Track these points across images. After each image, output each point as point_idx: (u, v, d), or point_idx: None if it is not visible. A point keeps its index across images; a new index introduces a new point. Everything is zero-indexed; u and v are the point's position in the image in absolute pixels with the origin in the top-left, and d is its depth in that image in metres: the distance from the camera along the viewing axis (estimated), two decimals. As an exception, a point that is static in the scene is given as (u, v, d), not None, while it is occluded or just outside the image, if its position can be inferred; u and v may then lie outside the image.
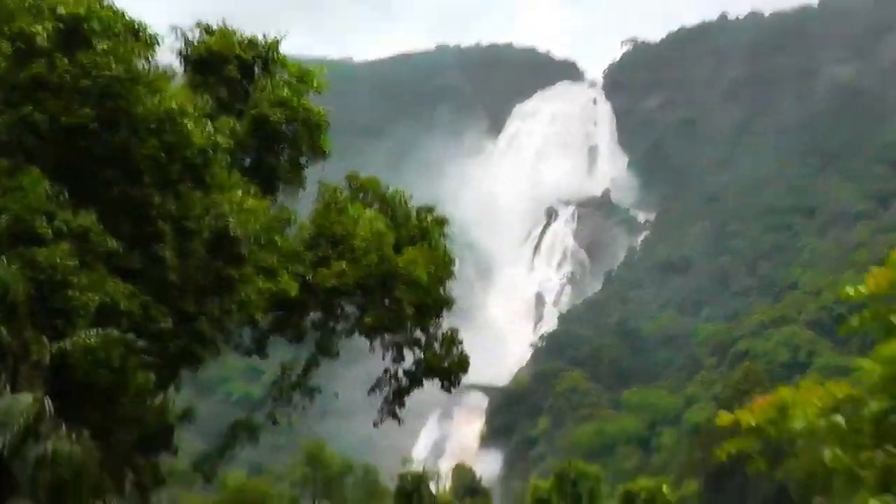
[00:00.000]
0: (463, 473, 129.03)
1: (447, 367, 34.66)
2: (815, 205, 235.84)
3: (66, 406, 22.16)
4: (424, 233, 34.12)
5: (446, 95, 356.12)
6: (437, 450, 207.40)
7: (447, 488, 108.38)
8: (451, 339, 34.67)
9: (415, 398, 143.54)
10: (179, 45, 32.05)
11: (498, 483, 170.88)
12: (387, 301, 32.69)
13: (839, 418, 13.82)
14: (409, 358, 36.38)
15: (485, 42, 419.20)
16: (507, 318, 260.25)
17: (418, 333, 34.81)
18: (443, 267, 33.63)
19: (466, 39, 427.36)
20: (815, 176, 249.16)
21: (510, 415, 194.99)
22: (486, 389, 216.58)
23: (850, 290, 14.87)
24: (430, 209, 34.85)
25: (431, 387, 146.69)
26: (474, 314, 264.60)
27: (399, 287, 32.14)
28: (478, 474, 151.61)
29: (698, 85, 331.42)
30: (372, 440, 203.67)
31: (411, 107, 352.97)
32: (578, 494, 70.80)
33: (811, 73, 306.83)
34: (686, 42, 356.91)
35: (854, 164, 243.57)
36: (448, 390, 35.05)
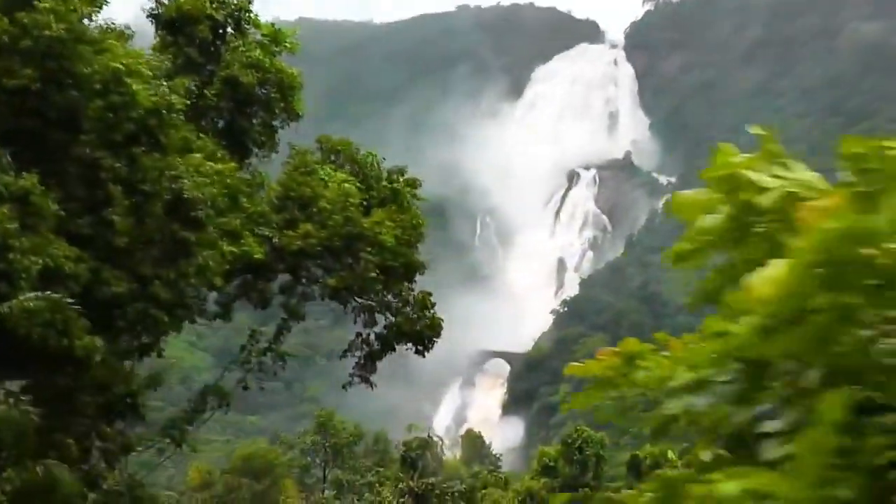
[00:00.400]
0: (474, 441, 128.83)
1: (419, 331, 33.93)
2: (837, 166, 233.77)
3: (9, 369, 21.97)
4: (395, 195, 33.51)
5: (465, 57, 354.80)
6: (459, 418, 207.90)
7: (457, 456, 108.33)
8: (424, 303, 33.96)
9: (438, 366, 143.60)
10: (151, 4, 31.67)
11: (518, 450, 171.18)
12: (352, 263, 32.19)
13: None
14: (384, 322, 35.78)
15: (505, 2, 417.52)
16: (528, 284, 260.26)
17: (390, 297, 34.13)
18: (412, 230, 32.94)
19: (486, 0, 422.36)
20: (838, 136, 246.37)
21: (531, 382, 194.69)
22: (507, 356, 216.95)
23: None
24: (401, 170, 34.15)
25: (454, 355, 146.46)
26: (496, 280, 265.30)
27: (364, 249, 31.63)
28: (499, 441, 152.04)
29: (719, 45, 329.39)
30: (396, 409, 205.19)
31: (430, 69, 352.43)
32: (584, 460, 70.67)
33: (833, 32, 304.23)
34: (707, 2, 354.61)
35: (878, 123, 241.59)
36: (422, 354, 34.40)
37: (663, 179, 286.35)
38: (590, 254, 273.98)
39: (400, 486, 55.33)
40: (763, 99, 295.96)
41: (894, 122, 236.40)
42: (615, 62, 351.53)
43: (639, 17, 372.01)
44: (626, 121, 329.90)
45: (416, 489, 54.71)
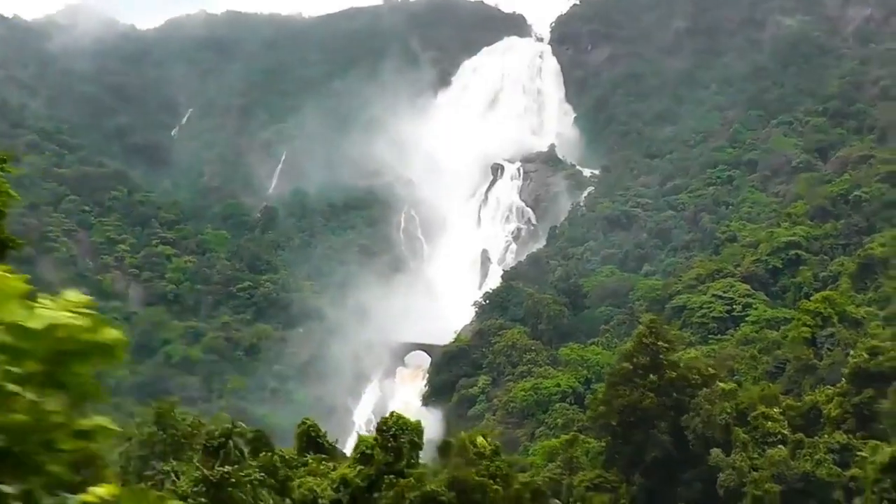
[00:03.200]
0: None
1: None
2: (756, 158, 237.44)
3: None
4: None
5: (393, 51, 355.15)
6: (380, 409, 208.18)
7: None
8: None
9: (361, 359, 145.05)
10: None
11: (437, 440, 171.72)
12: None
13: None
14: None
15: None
16: (452, 276, 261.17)
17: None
18: None
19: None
20: (758, 129, 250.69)
21: (451, 373, 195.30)
22: (428, 348, 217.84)
23: None
24: None
25: (377, 348, 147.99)
26: (420, 273, 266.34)
27: None
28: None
29: (644, 37, 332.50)
30: (321, 401, 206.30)
31: (358, 62, 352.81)
32: (399, 447, 71.02)
33: (756, 24, 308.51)
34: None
35: (796, 116, 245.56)
36: None
37: (587, 172, 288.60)
38: (514, 246, 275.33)
39: (195, 474, 55.37)
40: (687, 90, 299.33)
41: (810, 115, 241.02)
42: (541, 55, 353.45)
43: (564, 11, 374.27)
44: (551, 114, 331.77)
45: (211, 477, 54.75)
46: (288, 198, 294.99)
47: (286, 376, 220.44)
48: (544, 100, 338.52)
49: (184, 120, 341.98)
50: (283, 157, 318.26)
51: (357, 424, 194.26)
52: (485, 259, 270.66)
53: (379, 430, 72.04)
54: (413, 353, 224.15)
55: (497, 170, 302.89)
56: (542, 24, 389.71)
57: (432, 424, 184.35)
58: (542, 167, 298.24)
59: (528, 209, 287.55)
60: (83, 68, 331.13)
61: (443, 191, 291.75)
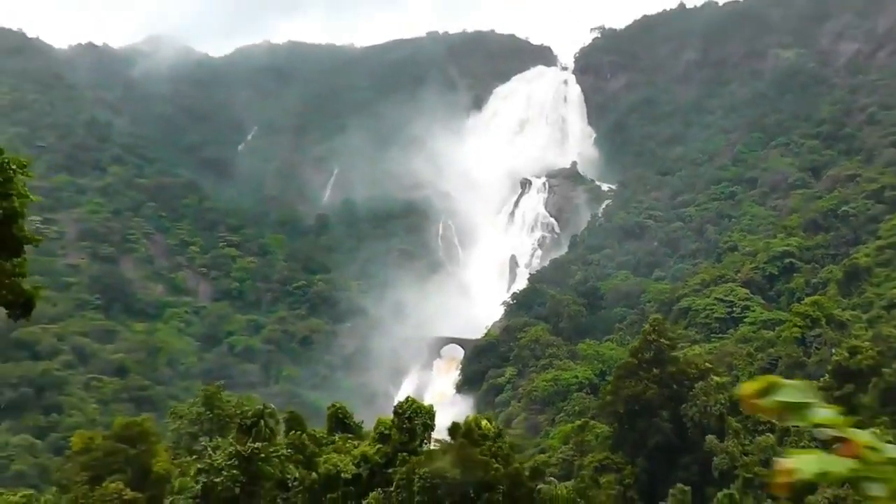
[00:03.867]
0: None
1: (12, 300, 31.60)
2: (756, 176, 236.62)
3: None
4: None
5: (433, 77, 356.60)
6: (418, 396, 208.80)
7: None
8: (14, 273, 31.84)
9: (402, 351, 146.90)
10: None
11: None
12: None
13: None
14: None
15: (470, 29, 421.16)
16: (484, 278, 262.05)
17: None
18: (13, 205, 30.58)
19: (454, 27, 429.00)
20: (758, 150, 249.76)
21: (481, 365, 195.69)
22: (461, 342, 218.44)
23: None
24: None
25: (416, 341, 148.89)
26: (455, 276, 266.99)
27: None
28: (452, 416, 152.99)
29: (658, 67, 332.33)
30: (365, 388, 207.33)
31: (401, 87, 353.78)
32: (413, 428, 71.64)
33: (758, 56, 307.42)
34: (648, 28, 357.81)
35: (792, 138, 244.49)
36: (15, 319, 32.14)
37: (605, 186, 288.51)
38: (539, 252, 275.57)
39: (229, 450, 56.27)
40: (695, 115, 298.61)
41: (805, 138, 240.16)
42: (566, 82, 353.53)
43: (587, 43, 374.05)
44: (573, 134, 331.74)
45: (242, 452, 55.63)
46: (339, 207, 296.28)
47: (335, 366, 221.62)
48: (568, 122, 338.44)
49: (248, 137, 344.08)
50: (336, 171, 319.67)
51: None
52: (513, 264, 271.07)
53: (396, 413, 72.86)
54: (448, 346, 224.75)
55: (525, 184, 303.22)
56: (566, 54, 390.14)
57: (464, 410, 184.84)
58: (564, 182, 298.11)
59: (552, 219, 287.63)
60: (162, 91, 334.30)
61: (476, 202, 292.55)
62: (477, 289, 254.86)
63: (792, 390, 3.97)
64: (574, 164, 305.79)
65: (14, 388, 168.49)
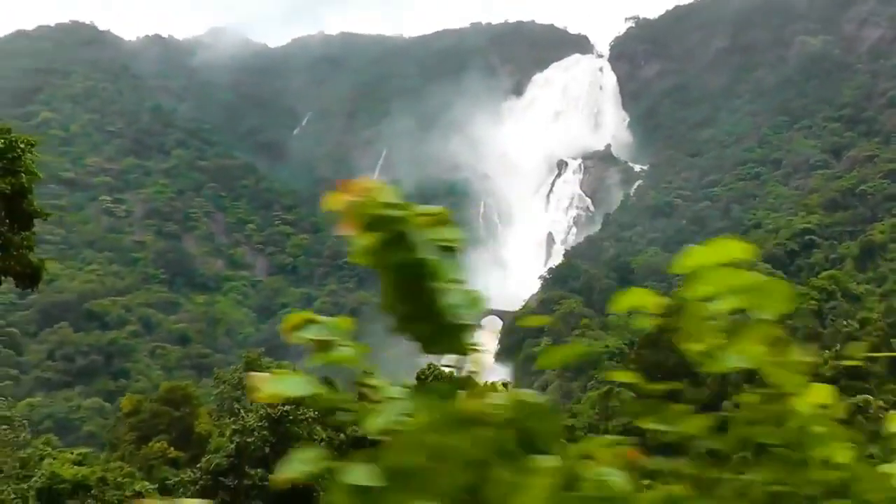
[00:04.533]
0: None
1: (20, 271, 30.12)
2: (780, 157, 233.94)
3: None
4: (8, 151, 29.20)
5: (476, 66, 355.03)
6: (460, 364, 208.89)
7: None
8: (22, 246, 30.05)
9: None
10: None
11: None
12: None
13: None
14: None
15: (512, 19, 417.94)
16: (522, 254, 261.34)
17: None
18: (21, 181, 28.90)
19: (497, 17, 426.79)
20: (783, 132, 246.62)
21: (518, 335, 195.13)
22: (500, 314, 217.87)
23: None
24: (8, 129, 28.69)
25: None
26: (495, 252, 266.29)
27: None
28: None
29: (689, 55, 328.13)
30: (412, 357, 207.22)
31: (446, 74, 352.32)
32: (440, 390, 71.24)
33: (784, 44, 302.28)
34: (680, 18, 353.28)
35: (815, 121, 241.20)
36: (23, 288, 30.60)
37: (637, 168, 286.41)
38: (574, 229, 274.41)
39: (260, 412, 56.29)
40: (724, 100, 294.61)
41: (827, 121, 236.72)
42: (601, 70, 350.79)
43: (622, 32, 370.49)
44: (608, 119, 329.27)
45: (272, 414, 55.59)
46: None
47: (384, 336, 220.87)
48: (602, 107, 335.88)
49: (303, 122, 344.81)
50: (384, 153, 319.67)
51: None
52: (549, 240, 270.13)
53: (417, 377, 72.70)
54: (488, 317, 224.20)
55: (561, 165, 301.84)
56: (602, 43, 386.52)
57: (503, 377, 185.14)
58: (599, 164, 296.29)
59: (587, 199, 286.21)
60: (222, 79, 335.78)
61: (515, 183, 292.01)
62: (515, 264, 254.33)
63: (320, 328, 3.80)
64: (608, 146, 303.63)
65: (85, 355, 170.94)
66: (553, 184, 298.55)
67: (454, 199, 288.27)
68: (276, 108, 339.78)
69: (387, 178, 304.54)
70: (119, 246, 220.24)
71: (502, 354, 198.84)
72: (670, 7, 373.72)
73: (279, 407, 58.37)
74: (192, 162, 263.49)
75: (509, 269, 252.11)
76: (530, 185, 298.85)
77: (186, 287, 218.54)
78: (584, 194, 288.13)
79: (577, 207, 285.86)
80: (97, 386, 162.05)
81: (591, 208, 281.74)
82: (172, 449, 65.32)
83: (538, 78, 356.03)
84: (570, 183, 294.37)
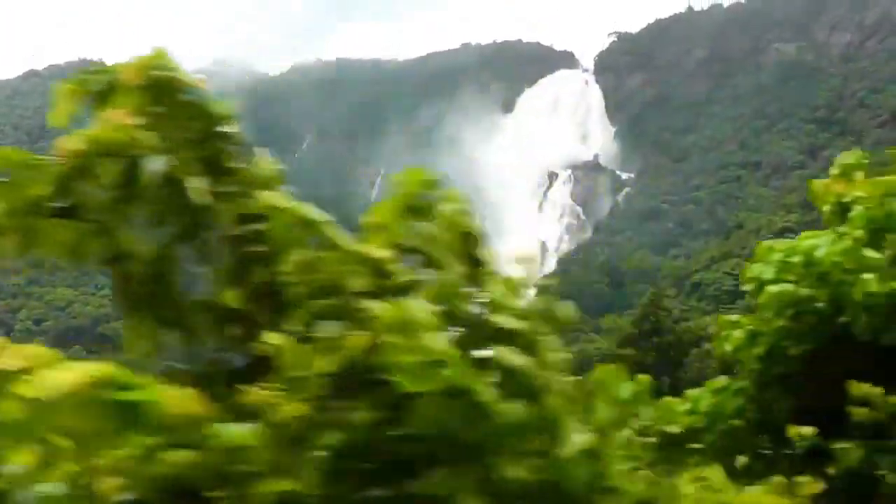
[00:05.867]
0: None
1: None
2: (759, 159, 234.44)
3: None
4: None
5: (467, 84, 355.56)
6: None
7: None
8: None
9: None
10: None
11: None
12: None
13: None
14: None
15: (500, 39, 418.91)
16: (516, 263, 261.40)
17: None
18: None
19: (486, 38, 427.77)
20: (761, 136, 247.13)
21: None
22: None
23: None
24: None
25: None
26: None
27: None
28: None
29: (670, 66, 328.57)
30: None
31: (440, 93, 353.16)
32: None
33: (760, 52, 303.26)
34: (660, 31, 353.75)
35: (792, 123, 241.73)
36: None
37: (625, 175, 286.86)
38: (566, 237, 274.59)
39: None
40: (705, 107, 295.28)
41: (804, 122, 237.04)
42: (587, 83, 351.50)
43: (605, 47, 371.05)
44: (595, 130, 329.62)
45: None
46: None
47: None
48: (590, 119, 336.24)
49: (304, 145, 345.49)
50: (382, 172, 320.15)
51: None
52: (543, 248, 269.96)
53: None
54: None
55: (552, 177, 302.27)
56: (587, 58, 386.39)
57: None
58: (588, 173, 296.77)
59: (578, 207, 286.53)
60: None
61: (507, 195, 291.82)
62: (509, 272, 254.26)
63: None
64: (596, 156, 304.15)
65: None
66: (545, 194, 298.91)
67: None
68: (278, 133, 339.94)
69: (385, 194, 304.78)
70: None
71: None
72: (651, 21, 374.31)
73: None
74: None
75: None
76: (522, 196, 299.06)
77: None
78: (574, 203, 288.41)
79: (568, 216, 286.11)
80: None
81: (582, 216, 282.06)
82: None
83: (527, 93, 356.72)
84: (562, 193, 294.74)
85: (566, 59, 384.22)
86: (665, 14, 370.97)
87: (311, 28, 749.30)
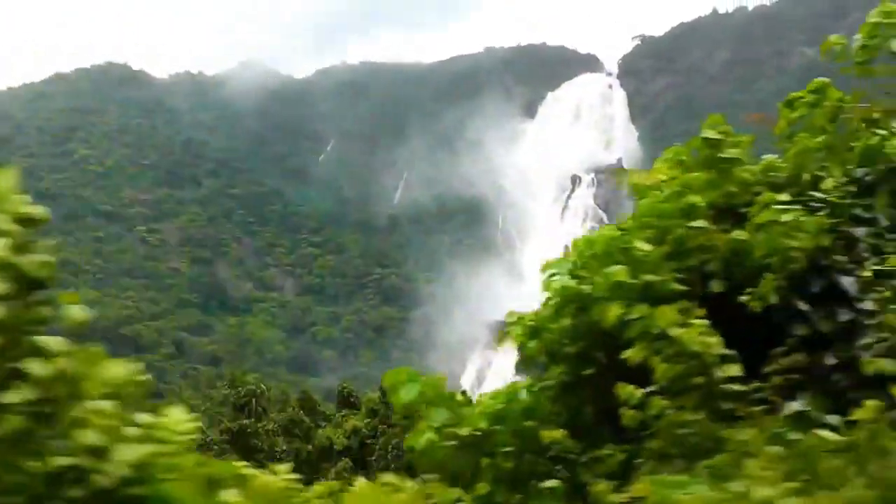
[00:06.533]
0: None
1: None
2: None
3: None
4: None
5: (491, 88, 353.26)
6: (482, 375, 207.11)
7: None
8: None
9: (465, 335, 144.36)
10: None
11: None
12: None
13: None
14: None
15: (524, 43, 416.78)
16: (540, 265, 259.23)
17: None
18: None
19: (509, 41, 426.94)
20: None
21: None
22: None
23: None
24: None
25: (478, 326, 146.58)
26: (515, 263, 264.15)
27: None
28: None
29: (694, 69, 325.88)
30: (435, 369, 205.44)
31: (463, 97, 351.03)
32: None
33: (784, 55, 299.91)
34: (684, 34, 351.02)
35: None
36: None
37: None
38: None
39: (221, 427, 55.38)
40: (727, 110, 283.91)
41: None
42: (610, 87, 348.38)
43: (629, 50, 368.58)
44: (619, 133, 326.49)
45: (232, 428, 54.50)
46: (408, 206, 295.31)
47: (407, 349, 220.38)
48: (613, 122, 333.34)
49: (328, 148, 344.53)
50: (405, 175, 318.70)
51: (463, 387, 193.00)
52: (566, 252, 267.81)
53: (380, 389, 72.50)
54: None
55: (575, 179, 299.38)
56: (611, 61, 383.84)
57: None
58: (611, 177, 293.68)
59: (601, 211, 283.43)
60: (251, 111, 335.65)
61: (532, 197, 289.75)
62: (533, 275, 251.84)
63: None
64: (619, 159, 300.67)
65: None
66: (568, 198, 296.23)
67: (473, 214, 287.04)
68: (303, 136, 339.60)
69: (409, 197, 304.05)
70: (154, 273, 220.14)
71: (521, 365, 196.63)
72: (674, 24, 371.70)
73: (239, 421, 57.11)
74: (223, 190, 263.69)
75: (527, 280, 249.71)
76: (546, 199, 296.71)
77: (219, 310, 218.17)
78: (598, 207, 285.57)
79: (592, 219, 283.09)
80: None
81: (605, 220, 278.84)
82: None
83: (550, 96, 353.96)
84: (585, 196, 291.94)
85: (590, 63, 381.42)
86: (689, 17, 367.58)
87: (337, 32, 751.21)
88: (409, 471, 6.59)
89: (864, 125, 9.09)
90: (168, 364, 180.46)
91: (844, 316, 7.11)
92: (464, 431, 6.74)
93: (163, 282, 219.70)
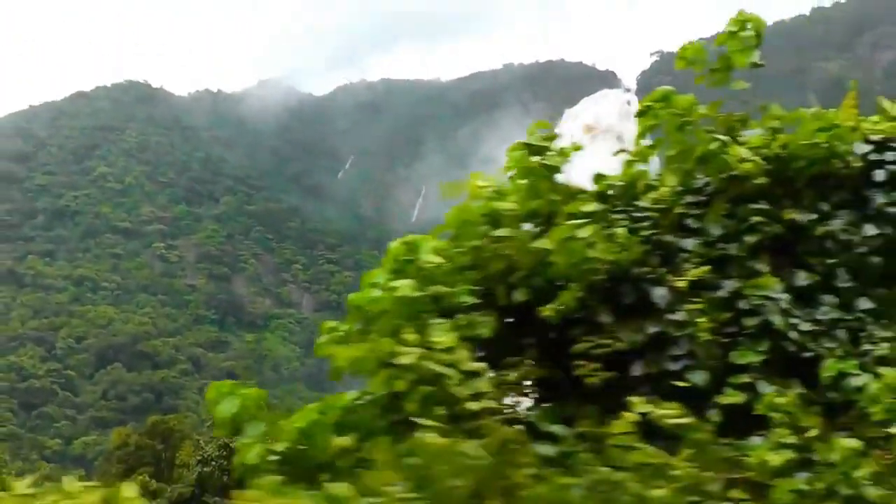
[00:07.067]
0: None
1: None
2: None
3: None
4: None
5: (508, 103, 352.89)
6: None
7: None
8: None
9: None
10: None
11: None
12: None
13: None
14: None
15: (542, 59, 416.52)
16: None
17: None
18: None
19: (528, 58, 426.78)
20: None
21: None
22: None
23: None
24: None
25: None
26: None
27: None
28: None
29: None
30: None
31: (481, 112, 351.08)
32: None
33: (804, 71, 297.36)
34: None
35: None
36: None
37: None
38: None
39: (219, 442, 54.34)
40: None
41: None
42: (629, 102, 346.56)
43: (647, 66, 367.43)
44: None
45: (229, 444, 53.47)
46: (427, 223, 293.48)
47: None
48: (630, 137, 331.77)
49: (346, 165, 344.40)
50: (423, 192, 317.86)
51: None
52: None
53: None
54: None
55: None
56: (629, 77, 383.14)
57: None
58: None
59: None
60: (269, 128, 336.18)
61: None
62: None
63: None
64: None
65: (138, 393, 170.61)
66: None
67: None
68: (321, 153, 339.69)
69: (426, 212, 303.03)
70: (172, 289, 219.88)
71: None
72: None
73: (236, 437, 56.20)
74: (241, 207, 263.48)
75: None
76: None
77: (236, 326, 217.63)
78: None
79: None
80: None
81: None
82: (154, 481, 63.56)
83: (569, 112, 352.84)
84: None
85: (608, 79, 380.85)
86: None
87: (357, 48, 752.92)
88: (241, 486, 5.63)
89: (709, 134, 9.24)
90: (184, 380, 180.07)
91: (652, 328, 7.08)
92: (279, 447, 6.20)
93: (180, 298, 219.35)
